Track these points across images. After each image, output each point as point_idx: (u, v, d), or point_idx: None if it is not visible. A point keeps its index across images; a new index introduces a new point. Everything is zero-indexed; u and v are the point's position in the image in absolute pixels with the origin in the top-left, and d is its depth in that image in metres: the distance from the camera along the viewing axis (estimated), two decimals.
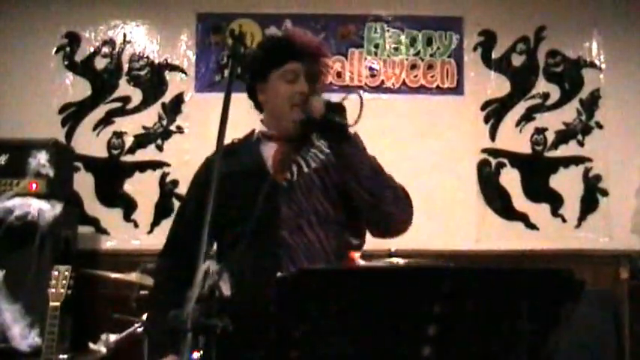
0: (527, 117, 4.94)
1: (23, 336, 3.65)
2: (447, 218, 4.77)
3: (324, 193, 2.18)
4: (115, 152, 4.85)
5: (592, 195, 4.87)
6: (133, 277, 3.64)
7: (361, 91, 2.11)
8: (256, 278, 1.86)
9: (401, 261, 3.93)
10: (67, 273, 3.32)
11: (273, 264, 1.98)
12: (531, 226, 4.84)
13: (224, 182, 2.03)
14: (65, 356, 3.63)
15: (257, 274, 1.89)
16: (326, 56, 2.32)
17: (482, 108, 4.95)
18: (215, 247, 1.37)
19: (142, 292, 3.65)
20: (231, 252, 2.08)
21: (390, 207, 2.12)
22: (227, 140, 1.66)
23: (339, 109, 2.10)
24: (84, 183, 4.77)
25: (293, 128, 2.19)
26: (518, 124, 4.94)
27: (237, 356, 1.95)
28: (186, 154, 4.79)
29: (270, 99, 2.27)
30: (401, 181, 2.20)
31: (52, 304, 3.28)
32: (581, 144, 4.92)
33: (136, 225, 4.77)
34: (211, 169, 2.15)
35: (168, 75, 4.96)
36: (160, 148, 4.87)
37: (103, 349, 3.53)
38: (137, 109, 4.91)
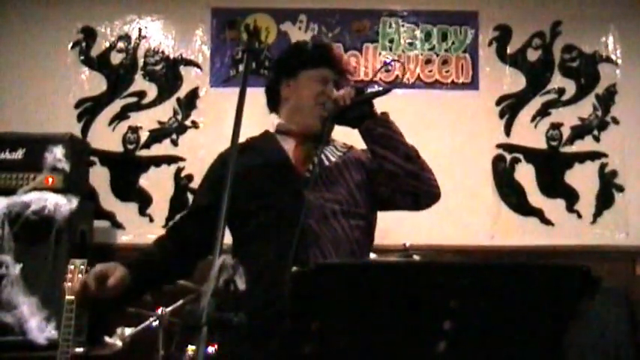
0: (543, 112, 4.92)
1: (40, 329, 3.68)
2: (462, 214, 4.75)
3: (345, 187, 2.23)
4: (131, 147, 4.87)
5: (608, 191, 4.84)
6: None
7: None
8: (281, 268, 1.87)
9: (416, 256, 3.93)
10: (82, 267, 3.33)
11: (301, 252, 2.00)
12: (546, 222, 4.82)
13: (245, 174, 2.08)
14: (81, 349, 3.65)
15: (283, 263, 1.89)
16: (353, 77, 2.48)
17: (498, 103, 4.93)
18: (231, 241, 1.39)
19: None
20: (250, 244, 2.11)
21: (426, 173, 2.20)
22: (241, 138, 1.66)
23: (368, 93, 2.23)
24: (99, 178, 4.79)
25: (316, 125, 2.26)
26: (533, 119, 4.92)
27: (252, 350, 1.96)
28: (201, 149, 4.81)
29: (296, 94, 2.35)
30: None
31: (68, 297, 3.29)
32: (597, 139, 4.89)
33: (151, 219, 4.79)
34: (226, 164, 2.21)
35: (183, 70, 4.97)
36: (175, 143, 4.88)
37: (119, 343, 3.55)
38: (152, 104, 4.93)
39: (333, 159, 2.29)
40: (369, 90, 2.26)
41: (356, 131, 2.25)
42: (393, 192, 2.21)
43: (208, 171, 2.41)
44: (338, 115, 2.19)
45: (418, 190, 2.17)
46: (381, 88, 2.25)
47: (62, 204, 3.92)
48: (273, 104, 2.45)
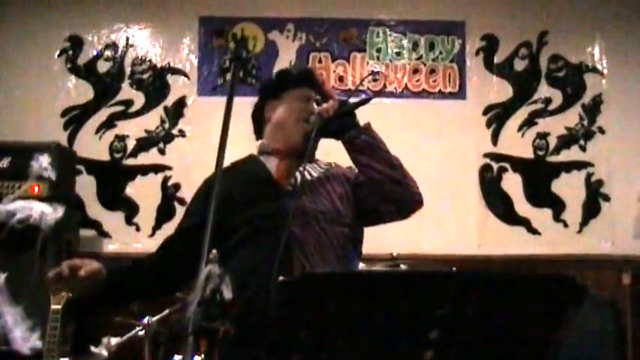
0: (530, 122, 4.94)
1: (25, 339, 3.64)
2: (449, 223, 4.77)
3: (328, 198, 2.27)
4: (117, 155, 4.86)
5: (594, 200, 4.86)
6: None
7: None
8: (265, 275, 1.88)
9: (403, 265, 3.92)
10: None
11: (285, 256, 2.00)
12: (533, 231, 4.83)
13: (228, 194, 2.10)
14: (67, 359, 3.63)
15: (267, 269, 1.90)
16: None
17: (485, 112, 4.95)
18: (216, 252, 1.39)
19: None
20: (237, 253, 2.12)
21: (408, 180, 2.23)
22: (228, 146, 1.66)
23: (351, 104, 2.26)
24: (86, 186, 4.77)
25: (299, 140, 2.28)
26: (520, 128, 4.94)
27: (240, 359, 1.96)
28: (189, 158, 4.80)
29: (279, 112, 2.40)
30: None
31: (53, 307, 3.27)
32: (583, 149, 4.91)
33: (138, 228, 4.77)
34: (212, 186, 2.23)
35: (170, 78, 4.96)
36: (162, 152, 4.87)
37: (105, 352, 3.52)
38: (139, 113, 4.92)
39: (315, 174, 2.33)
40: (352, 101, 2.28)
41: (341, 148, 2.28)
42: (377, 201, 2.24)
43: (194, 195, 2.43)
44: (322, 127, 2.22)
45: (401, 196, 2.21)
46: (362, 97, 2.27)
47: (48, 213, 3.89)
48: (259, 130, 2.49)
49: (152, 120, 4.91)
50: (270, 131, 2.41)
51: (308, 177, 2.29)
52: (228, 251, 2.21)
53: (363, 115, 2.26)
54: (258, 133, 2.49)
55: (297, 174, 2.24)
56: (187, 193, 4.68)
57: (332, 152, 2.42)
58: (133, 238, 4.74)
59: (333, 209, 2.24)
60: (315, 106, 2.33)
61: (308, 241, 2.14)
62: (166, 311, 3.53)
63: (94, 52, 4.98)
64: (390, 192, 2.20)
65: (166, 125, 4.90)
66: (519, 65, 5.02)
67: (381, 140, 2.27)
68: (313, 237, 2.16)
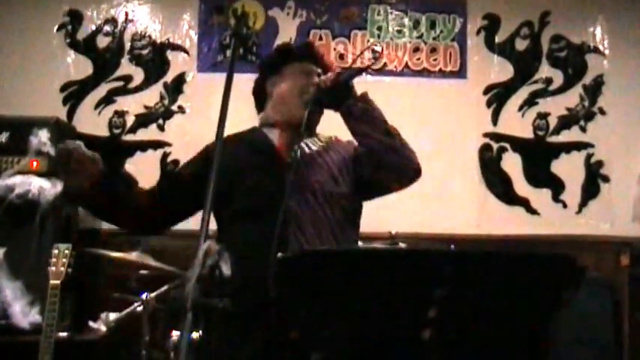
0: (530, 102, 4.93)
1: (24, 314, 3.66)
2: (448, 202, 4.76)
3: (326, 169, 2.30)
4: (117, 131, 4.84)
5: (593, 181, 4.86)
6: (133, 256, 3.64)
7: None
8: (261, 248, 1.89)
9: (402, 244, 3.93)
10: (67, 251, 3.32)
11: (281, 231, 2.01)
12: (532, 212, 4.83)
13: (230, 163, 2.12)
14: (65, 334, 3.64)
15: (263, 244, 1.91)
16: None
17: (485, 92, 4.93)
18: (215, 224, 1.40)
19: (142, 272, 3.66)
20: (233, 225, 2.14)
21: (405, 149, 2.26)
22: (227, 123, 1.66)
23: (347, 73, 2.30)
24: None
25: (301, 114, 2.28)
26: (520, 108, 4.92)
27: (237, 336, 1.96)
28: (188, 134, 4.79)
29: (282, 87, 2.42)
30: None
31: (52, 282, 3.28)
32: (583, 130, 4.90)
33: None
34: (212, 154, 2.24)
35: (170, 54, 4.94)
36: (161, 128, 4.85)
37: (103, 328, 3.54)
38: (139, 89, 4.89)
39: (314, 147, 2.36)
40: (347, 72, 2.30)
41: (343, 124, 2.28)
42: (376, 170, 2.26)
43: (194, 156, 2.47)
44: (320, 98, 2.24)
45: (399, 164, 2.24)
46: (359, 67, 2.29)
47: (47, 188, 3.89)
48: (260, 105, 2.52)
49: (151, 96, 4.88)
50: (273, 105, 2.43)
51: (306, 150, 2.33)
52: (225, 222, 2.23)
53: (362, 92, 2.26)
54: (260, 108, 2.51)
55: (297, 148, 2.25)
56: None
57: (333, 127, 2.43)
58: None
59: (332, 180, 2.27)
60: (316, 80, 2.34)
61: (304, 217, 2.17)
62: (165, 287, 3.54)
63: (93, 27, 4.94)
64: (388, 160, 2.22)
65: (166, 101, 4.88)
66: (521, 45, 4.99)
67: (377, 109, 2.30)
68: (310, 212, 2.18)
